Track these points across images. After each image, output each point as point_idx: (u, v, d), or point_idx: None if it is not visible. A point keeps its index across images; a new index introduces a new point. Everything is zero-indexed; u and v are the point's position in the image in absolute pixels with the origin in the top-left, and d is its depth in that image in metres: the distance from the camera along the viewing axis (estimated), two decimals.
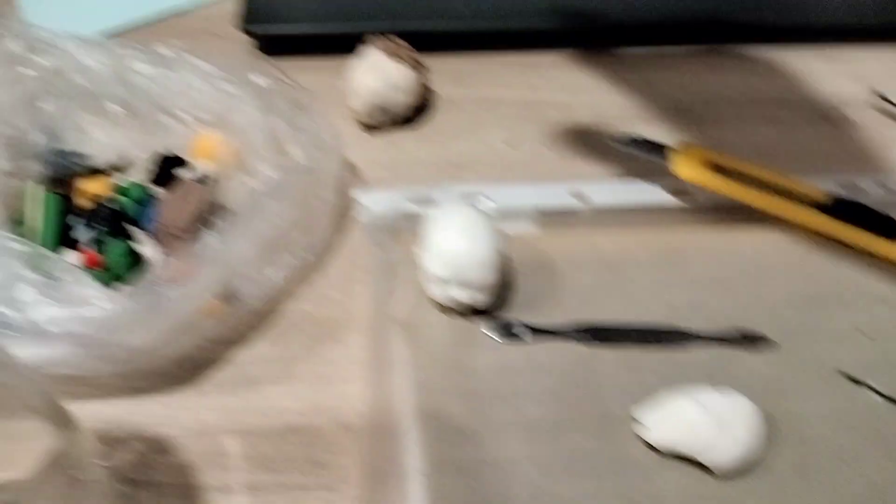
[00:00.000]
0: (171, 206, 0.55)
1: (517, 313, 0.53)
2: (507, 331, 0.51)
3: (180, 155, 0.60)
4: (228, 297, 0.52)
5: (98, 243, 0.55)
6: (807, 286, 0.55)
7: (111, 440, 0.49)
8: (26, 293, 0.44)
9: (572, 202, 0.58)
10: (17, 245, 0.46)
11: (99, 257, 0.54)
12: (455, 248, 0.49)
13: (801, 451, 0.47)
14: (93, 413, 0.49)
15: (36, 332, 0.43)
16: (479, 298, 0.50)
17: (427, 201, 0.58)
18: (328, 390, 0.51)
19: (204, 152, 0.59)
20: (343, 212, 0.60)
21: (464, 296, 0.50)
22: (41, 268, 0.46)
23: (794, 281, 0.55)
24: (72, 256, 0.54)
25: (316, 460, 0.49)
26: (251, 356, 0.53)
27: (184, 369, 0.52)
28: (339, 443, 0.49)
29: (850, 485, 0.46)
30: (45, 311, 0.43)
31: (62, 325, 0.44)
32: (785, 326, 0.53)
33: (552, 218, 0.58)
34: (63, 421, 0.39)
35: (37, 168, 0.55)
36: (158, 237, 0.55)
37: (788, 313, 0.54)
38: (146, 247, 0.55)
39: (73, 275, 0.47)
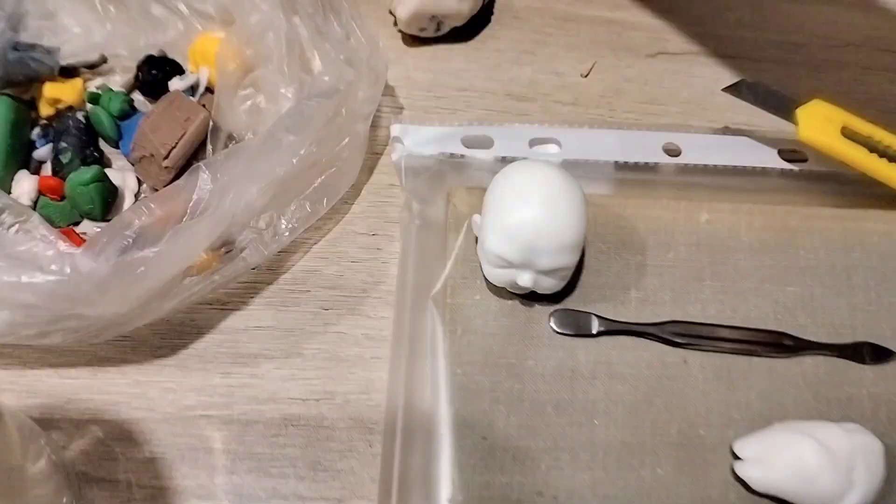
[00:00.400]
0: (157, 124, 0.43)
1: (587, 301, 0.41)
2: (575, 323, 0.40)
3: (174, 59, 0.48)
4: (224, 249, 0.41)
5: (59, 164, 0.43)
6: None
7: (63, 423, 0.39)
8: None
9: (662, 158, 0.46)
10: None
11: (58, 183, 0.42)
12: (530, 221, 0.37)
13: None
14: (36, 385, 0.39)
15: None
16: (550, 284, 0.39)
17: (481, 142, 0.46)
18: (340, 374, 0.41)
19: (204, 58, 0.47)
20: (375, 149, 0.48)
21: (531, 282, 0.38)
22: None
23: None
24: (26, 182, 0.42)
25: (319, 464, 0.39)
26: (248, 326, 0.42)
27: (161, 338, 0.41)
28: (348, 444, 0.39)
29: None
30: None
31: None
32: None
33: (636, 176, 0.46)
34: None
35: None
36: (138, 165, 0.43)
37: None
38: (120, 175, 0.44)
39: (19, 215, 0.36)
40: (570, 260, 0.37)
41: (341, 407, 0.40)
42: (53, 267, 0.33)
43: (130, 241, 0.35)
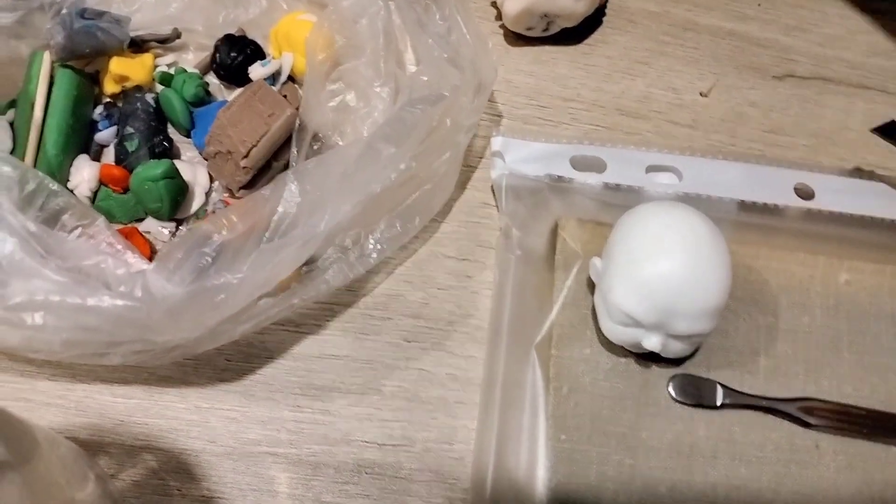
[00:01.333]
0: (238, 118, 0.38)
1: (711, 367, 0.36)
2: (697, 392, 0.35)
3: (255, 40, 0.43)
4: (305, 269, 0.37)
5: (123, 151, 0.38)
6: None
7: (113, 448, 0.35)
8: (3, 245, 0.28)
9: (793, 200, 0.41)
10: None
11: (123, 174, 0.37)
12: (669, 279, 0.32)
13: None
14: (86, 403, 0.35)
15: (8, 319, 0.28)
16: (678, 350, 0.34)
17: (591, 164, 0.41)
18: (421, 418, 0.37)
19: (288, 42, 0.42)
20: (469, 161, 0.43)
21: (657, 345, 0.33)
22: (31, 202, 0.30)
23: None
24: (87, 169, 0.38)
25: None
26: (322, 354, 0.38)
27: (227, 359, 0.37)
28: (428, 499, 0.35)
29: None
30: (25, 288, 0.27)
31: (52, 313, 0.28)
32: None
33: (762, 219, 0.40)
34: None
35: (52, 30, 0.38)
36: (212, 160, 0.39)
37: None
38: (191, 169, 0.39)
39: (82, 217, 0.31)
40: (710, 326, 0.33)
41: (420, 456, 0.36)
42: (122, 288, 0.29)
43: (209, 260, 0.31)
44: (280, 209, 0.33)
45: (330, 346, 0.38)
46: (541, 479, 0.34)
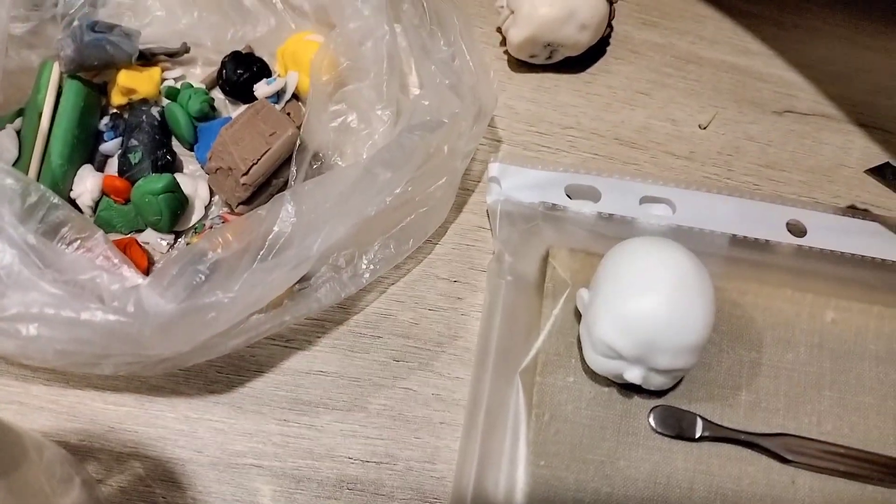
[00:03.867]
0: (240, 135, 0.39)
1: (692, 399, 0.37)
2: (677, 424, 0.36)
3: (261, 57, 0.43)
4: (297, 287, 0.37)
5: (127, 163, 0.39)
6: None
7: (102, 454, 0.35)
8: (2, 257, 0.29)
9: (785, 237, 0.41)
10: None
11: (125, 186, 0.38)
12: (652, 316, 0.32)
13: None
14: (78, 408, 0.36)
15: (4, 329, 0.28)
16: (659, 384, 0.34)
17: (586, 193, 0.42)
18: (405, 437, 0.37)
19: (294, 61, 0.43)
20: (466, 184, 0.43)
21: (639, 378, 0.34)
22: (32, 214, 0.30)
23: None
24: (90, 179, 0.38)
25: None
26: (311, 370, 0.38)
27: (217, 371, 0.38)
28: None
29: None
30: (22, 300, 0.28)
31: (46, 325, 0.29)
32: None
33: (752, 255, 0.41)
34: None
35: (63, 41, 0.39)
36: (213, 176, 0.39)
37: None
38: (192, 183, 0.40)
39: (81, 230, 0.32)
40: (691, 361, 0.33)
41: (402, 475, 0.37)
42: (116, 304, 0.30)
43: (203, 277, 0.32)
44: (275, 229, 0.34)
45: (319, 362, 0.38)
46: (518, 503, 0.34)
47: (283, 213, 0.34)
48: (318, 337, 0.39)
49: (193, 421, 0.37)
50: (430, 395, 0.38)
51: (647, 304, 0.32)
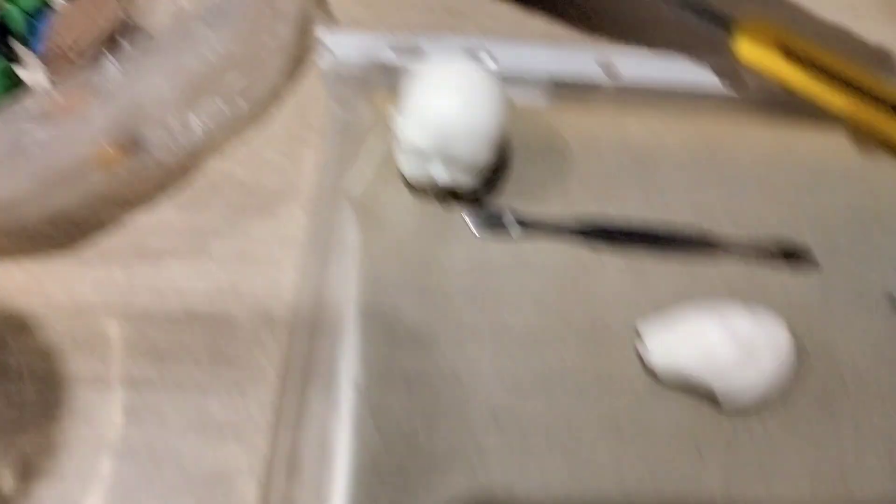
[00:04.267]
0: (69, 20, 0.42)
1: (507, 200, 0.41)
2: (492, 221, 0.40)
3: None
4: (131, 145, 0.40)
5: None
6: (864, 200, 0.44)
7: None
8: None
9: (597, 74, 0.46)
10: None
11: None
12: (445, 112, 0.37)
13: (829, 387, 0.38)
14: None
15: None
16: (464, 180, 0.38)
17: (412, 51, 0.46)
18: (249, 273, 0.40)
19: None
20: (300, 53, 0.47)
21: (445, 175, 0.38)
22: None
23: (850, 192, 0.44)
24: None
25: (221, 355, 0.37)
26: (154, 223, 0.41)
27: (60, 230, 0.40)
28: (253, 336, 0.38)
29: (881, 423, 0.37)
30: None
31: None
32: (831, 243, 0.42)
33: (570, 91, 0.45)
34: None
35: None
36: (48, 60, 0.42)
37: (838, 228, 0.43)
38: (30, 71, 0.43)
39: None
40: (485, 154, 0.37)
41: (248, 304, 0.39)
42: None
43: (29, 120, 0.34)
44: (100, 87, 0.37)
45: (163, 219, 0.41)
46: (351, 301, 0.37)
47: (107, 72, 0.37)
48: (160, 196, 0.42)
49: (40, 276, 0.39)
50: (271, 238, 0.41)
51: (440, 101, 0.37)
